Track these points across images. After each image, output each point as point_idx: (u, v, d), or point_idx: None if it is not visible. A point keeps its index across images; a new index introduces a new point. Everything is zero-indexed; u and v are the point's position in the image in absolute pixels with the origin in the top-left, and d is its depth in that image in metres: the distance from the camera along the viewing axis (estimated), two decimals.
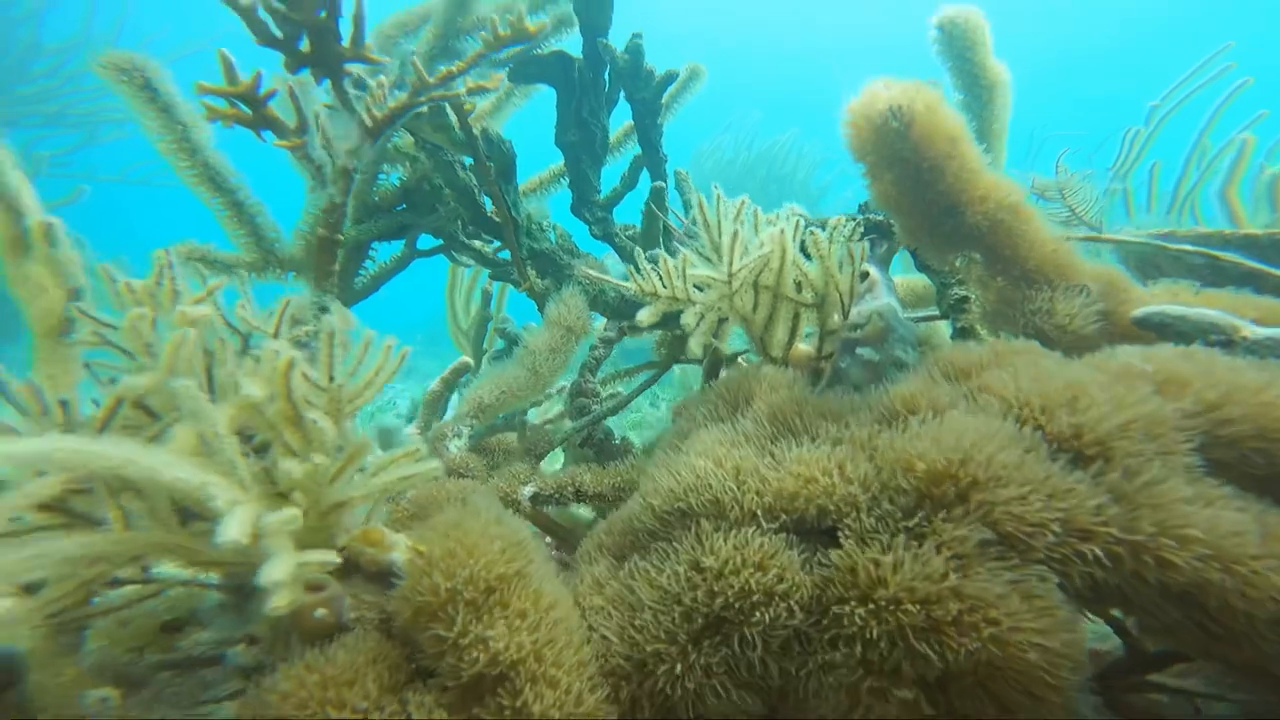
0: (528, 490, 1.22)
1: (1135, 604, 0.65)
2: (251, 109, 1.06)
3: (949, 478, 0.67)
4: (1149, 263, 1.78)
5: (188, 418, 0.55)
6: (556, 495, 1.23)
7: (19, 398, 0.63)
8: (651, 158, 1.82)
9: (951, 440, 0.69)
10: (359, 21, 1.14)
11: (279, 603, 0.54)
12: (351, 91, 1.15)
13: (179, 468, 0.54)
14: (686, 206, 1.85)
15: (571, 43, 1.70)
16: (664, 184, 1.57)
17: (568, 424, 1.57)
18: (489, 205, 1.63)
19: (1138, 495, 0.66)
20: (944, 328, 1.42)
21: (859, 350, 0.98)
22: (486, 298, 1.95)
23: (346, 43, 1.13)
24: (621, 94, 1.73)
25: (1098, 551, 0.63)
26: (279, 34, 1.07)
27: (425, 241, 1.81)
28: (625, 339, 1.63)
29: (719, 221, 1.04)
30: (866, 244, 1.11)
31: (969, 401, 0.77)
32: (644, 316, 1.03)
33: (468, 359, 1.59)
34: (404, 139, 1.62)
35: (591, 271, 1.43)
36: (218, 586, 0.77)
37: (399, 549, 0.77)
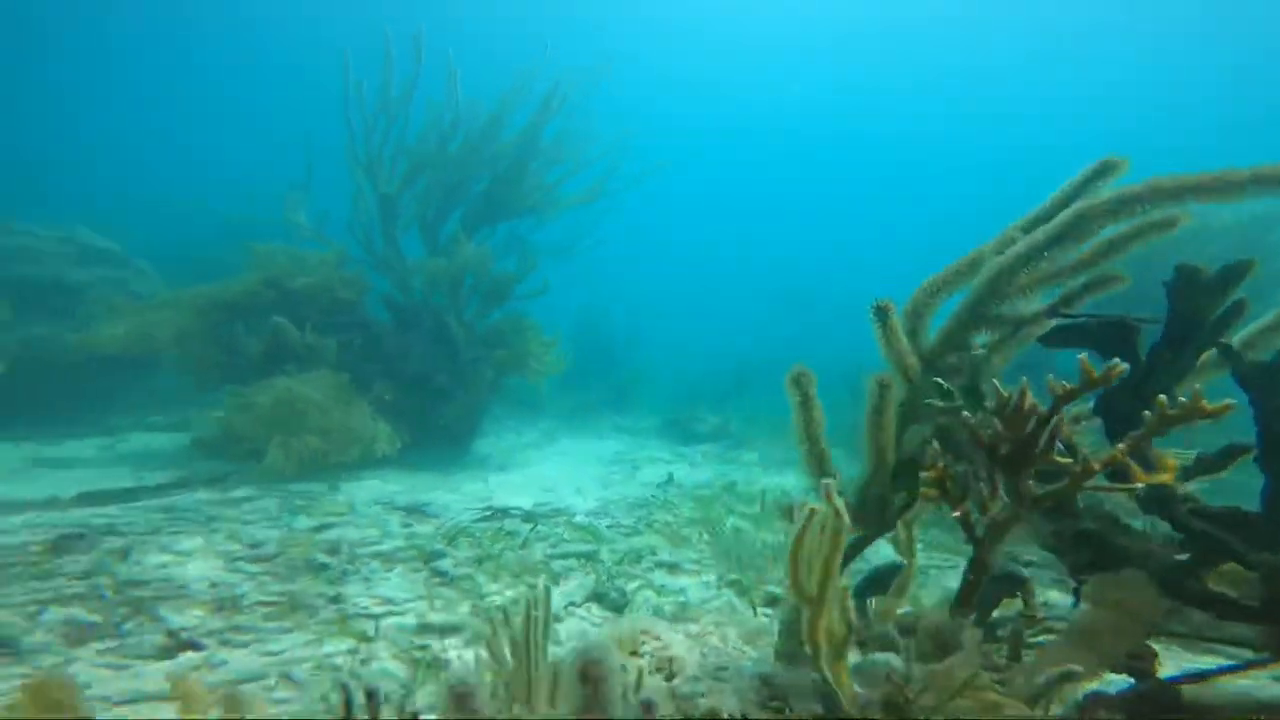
0: None
1: None
2: (946, 489, 1.36)
3: None
4: None
5: None
6: None
7: None
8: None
9: None
10: (1054, 435, 1.37)
11: None
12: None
13: None
14: None
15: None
16: None
17: None
18: None
19: None
20: None
21: None
22: None
23: (1039, 450, 1.37)
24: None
25: None
26: (996, 442, 1.35)
27: None
28: None
29: None
30: None
31: None
32: None
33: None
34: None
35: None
36: None
37: None
